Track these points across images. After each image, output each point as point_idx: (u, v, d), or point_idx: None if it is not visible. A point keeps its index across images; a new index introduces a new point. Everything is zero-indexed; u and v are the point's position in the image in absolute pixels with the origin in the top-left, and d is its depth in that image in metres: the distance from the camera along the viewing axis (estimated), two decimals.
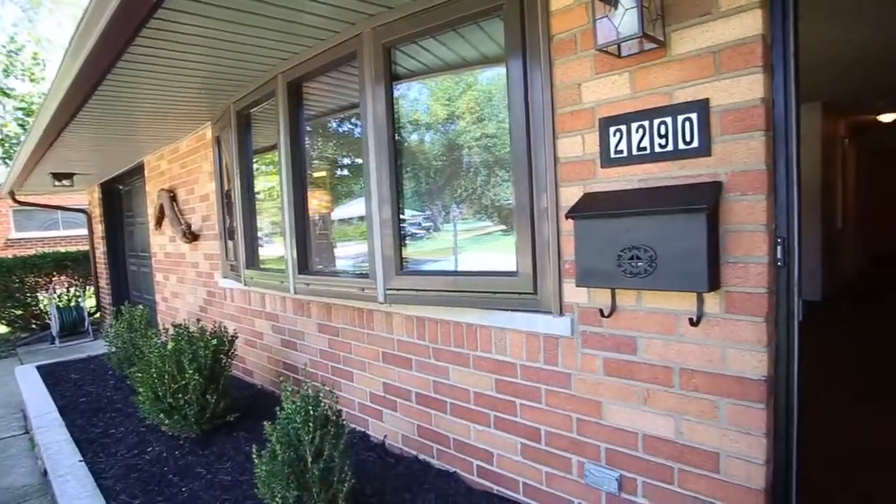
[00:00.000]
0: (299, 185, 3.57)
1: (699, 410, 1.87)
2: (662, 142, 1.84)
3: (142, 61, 3.08)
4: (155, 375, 3.37)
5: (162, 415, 3.40)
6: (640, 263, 1.78)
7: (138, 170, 7.02)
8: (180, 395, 3.35)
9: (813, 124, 7.40)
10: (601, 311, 2.04)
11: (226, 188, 4.71)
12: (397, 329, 3.06)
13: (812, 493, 2.45)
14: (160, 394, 3.39)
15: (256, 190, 4.34)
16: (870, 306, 7.19)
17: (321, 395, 2.43)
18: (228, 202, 4.65)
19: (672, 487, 1.98)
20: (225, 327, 3.86)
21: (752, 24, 1.65)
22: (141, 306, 5.37)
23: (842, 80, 6.03)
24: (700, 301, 1.79)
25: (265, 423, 2.35)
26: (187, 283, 5.93)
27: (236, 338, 3.90)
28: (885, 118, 8.29)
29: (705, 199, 1.65)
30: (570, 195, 2.13)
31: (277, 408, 2.41)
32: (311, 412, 2.34)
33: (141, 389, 3.47)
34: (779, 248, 1.69)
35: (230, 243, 4.76)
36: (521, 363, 2.42)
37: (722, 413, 1.82)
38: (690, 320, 1.79)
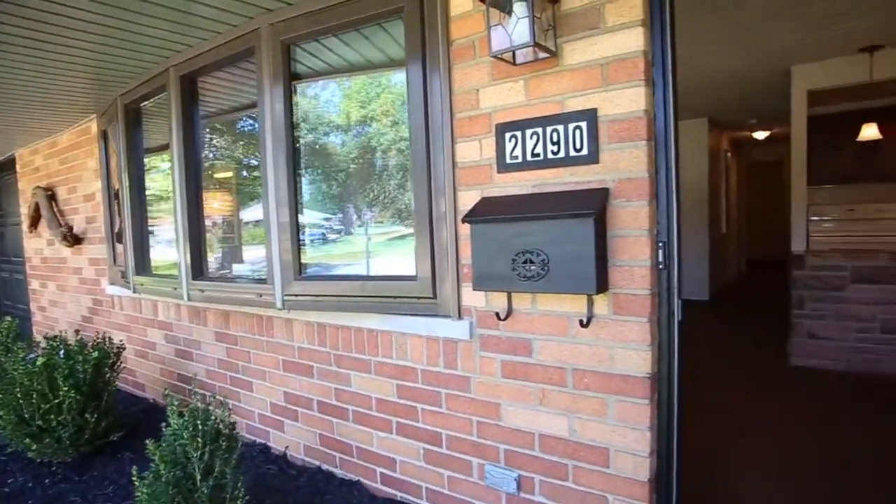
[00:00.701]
0: (193, 186, 3.36)
1: (591, 408, 1.94)
2: (555, 149, 1.90)
3: (15, 43, 2.77)
4: (20, 395, 3.02)
5: (28, 439, 3.06)
6: (533, 267, 1.82)
7: (8, 164, 6.33)
8: (52, 416, 3.03)
9: (700, 138, 8.03)
10: (498, 315, 2.07)
11: (114, 187, 4.34)
12: (298, 336, 2.95)
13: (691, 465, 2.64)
14: (26, 416, 3.04)
15: (148, 190, 4.04)
16: (747, 305, 7.90)
17: (212, 407, 2.29)
18: (117, 203, 4.30)
19: (567, 484, 2.04)
20: (111, 338, 3.54)
21: (635, 40, 1.74)
22: (9, 318, 4.83)
23: (723, 99, 6.58)
24: (590, 303, 1.86)
25: (147, 441, 2.17)
26: (69, 291, 5.41)
27: (123, 349, 3.59)
28: (759, 135, 9.16)
29: (593, 205, 1.71)
30: (468, 199, 2.15)
31: (164, 424, 2.24)
32: (201, 426, 2.19)
33: (1, 413, 3.09)
34: (660, 251, 1.79)
35: (119, 247, 4.40)
36: (422, 368, 2.41)
37: (611, 410, 1.89)
38: (581, 322, 1.85)
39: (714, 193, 8.41)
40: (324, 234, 2.96)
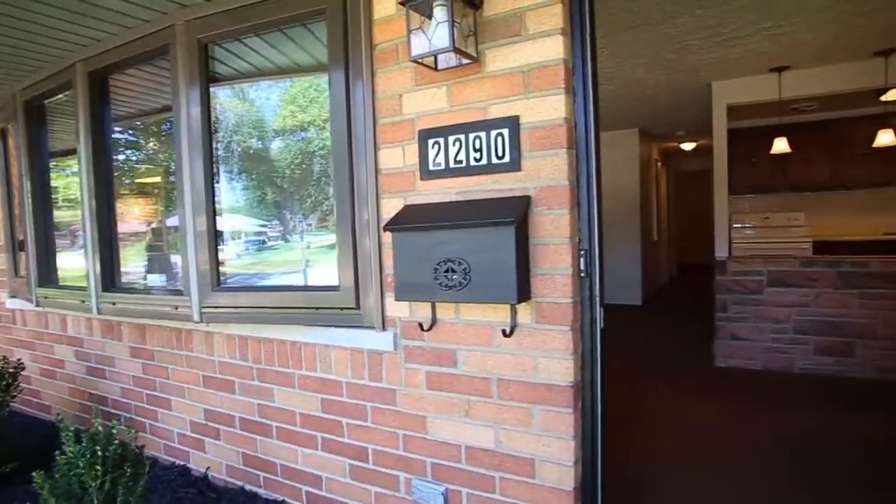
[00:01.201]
0: (104, 191, 3.13)
1: (516, 419, 1.91)
2: (477, 156, 1.87)
3: None
4: None
5: None
6: (455, 276, 1.78)
7: None
8: None
9: (632, 148, 8.31)
10: (421, 325, 2.01)
11: (14, 192, 4.01)
12: (219, 350, 2.79)
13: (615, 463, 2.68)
14: None
15: (55, 195, 3.75)
16: (678, 308, 8.22)
17: (118, 429, 2.11)
18: (19, 208, 3.96)
19: (495, 496, 2.00)
20: (5, 357, 3.24)
21: (555, 48, 1.74)
22: None
23: (652, 111, 6.85)
24: (513, 312, 1.83)
25: (35, 473, 1.97)
26: None
27: (22, 369, 3.29)
28: (687, 146, 9.59)
29: (515, 213, 1.69)
30: (392, 207, 2.09)
31: (58, 451, 2.04)
32: (101, 452, 2.01)
33: None
34: (582, 259, 1.79)
35: (22, 256, 4.05)
36: (347, 381, 2.32)
37: (536, 420, 1.87)
38: (503, 332, 1.83)
39: (645, 202, 8.72)
40: (249, 242, 2.82)
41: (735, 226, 7.61)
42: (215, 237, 2.54)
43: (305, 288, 2.40)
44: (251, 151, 2.77)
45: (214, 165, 2.61)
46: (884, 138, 5.25)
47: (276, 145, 2.73)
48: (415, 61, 1.82)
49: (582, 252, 1.78)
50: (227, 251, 2.74)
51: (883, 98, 5.71)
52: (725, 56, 4.56)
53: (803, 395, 4.29)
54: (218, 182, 2.62)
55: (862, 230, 7.11)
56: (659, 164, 10.24)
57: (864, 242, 6.57)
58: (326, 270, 2.39)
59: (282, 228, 2.74)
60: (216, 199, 2.57)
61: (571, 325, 1.77)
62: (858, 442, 3.31)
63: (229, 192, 2.76)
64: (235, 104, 2.78)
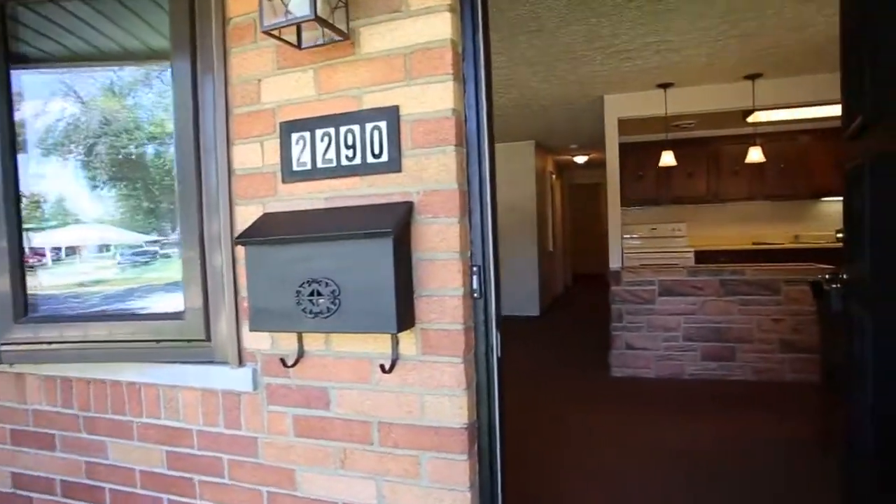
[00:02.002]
0: None
1: (401, 469, 1.59)
2: (350, 153, 1.55)
3: None
4: None
5: None
6: (322, 300, 1.44)
7: None
8: None
9: (528, 160, 8.37)
10: (283, 361, 1.64)
11: None
12: (32, 396, 2.21)
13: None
14: None
15: None
16: (574, 318, 8.35)
17: None
18: None
19: None
20: None
21: (441, 27, 1.47)
22: None
23: (547, 123, 6.90)
24: (394, 342, 1.52)
25: None
26: None
27: None
28: (580, 159, 9.88)
29: (393, 222, 1.39)
30: (249, 215, 1.70)
31: None
32: None
33: None
34: (475, 277, 1.51)
35: None
36: (199, 429, 1.88)
37: (424, 470, 1.56)
38: (382, 367, 1.51)
39: (541, 213, 8.82)
40: (75, 259, 2.28)
41: (625, 236, 7.87)
42: (20, 254, 2.00)
43: (144, 316, 1.93)
44: (62, 150, 2.24)
45: (36, 165, 2.07)
46: (754, 155, 5.59)
47: (99, 142, 2.23)
48: (269, 34, 1.46)
49: (475, 268, 1.51)
50: (72, 269, 2.20)
51: (749, 119, 6.13)
52: (617, 69, 4.60)
53: (693, 400, 4.38)
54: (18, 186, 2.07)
55: (734, 240, 7.61)
56: (554, 176, 10.48)
57: (736, 251, 7.02)
58: (170, 293, 1.94)
59: (115, 242, 2.23)
60: (18, 206, 2.02)
61: (464, 356, 1.49)
62: (746, 444, 3.41)
63: (90, 200, 2.22)
64: (41, 93, 2.25)
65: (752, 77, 5.06)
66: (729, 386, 4.76)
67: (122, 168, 2.17)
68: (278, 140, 1.65)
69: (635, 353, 5.15)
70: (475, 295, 1.52)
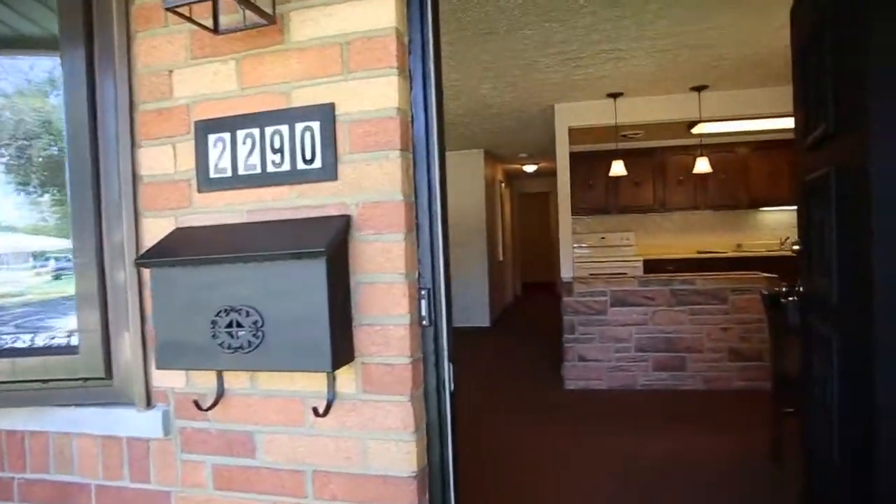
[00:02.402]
0: None
1: None
2: (277, 158, 1.32)
3: None
4: None
5: None
6: (242, 332, 1.21)
7: None
8: None
9: (477, 168, 8.27)
10: (198, 403, 1.38)
11: None
12: None
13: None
14: None
15: None
16: (526, 328, 8.27)
17: None
18: None
19: None
20: None
21: (385, 13, 1.27)
22: None
23: (497, 132, 6.81)
24: (331, 380, 1.30)
25: None
26: None
27: None
28: (529, 168, 9.88)
29: (327, 239, 1.17)
30: (159, 230, 1.44)
31: None
32: None
33: None
34: (423, 302, 1.32)
35: None
36: (98, 483, 1.59)
37: None
38: (315, 410, 1.28)
39: (491, 223, 8.73)
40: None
41: (574, 245, 7.87)
42: None
43: (27, 351, 1.62)
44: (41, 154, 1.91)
45: None
46: (700, 165, 5.66)
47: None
48: (176, 12, 1.22)
49: (423, 292, 1.31)
50: None
51: (694, 131, 6.23)
52: (568, 77, 4.53)
53: (645, 412, 4.35)
54: None
55: (681, 249, 7.74)
56: (503, 185, 10.44)
57: (683, 260, 7.11)
58: (63, 322, 1.64)
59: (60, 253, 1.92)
60: None
61: (411, 393, 1.29)
62: (699, 455, 3.38)
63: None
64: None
65: (699, 89, 5.11)
66: (680, 396, 4.75)
67: (38, 170, 1.86)
68: (193, 142, 1.40)
69: (588, 365, 5.08)
70: (424, 322, 1.32)
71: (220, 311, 1.22)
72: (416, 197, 1.33)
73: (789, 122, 6.31)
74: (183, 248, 1.30)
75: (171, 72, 1.44)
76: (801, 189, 2.11)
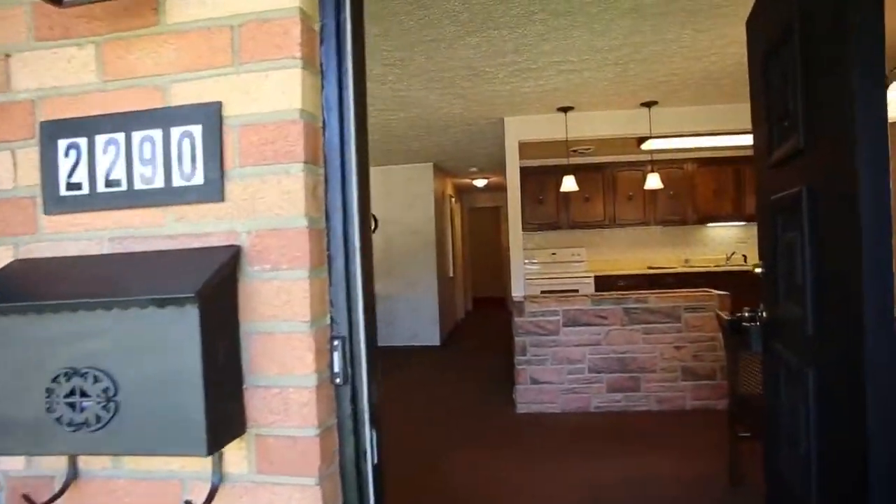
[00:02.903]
0: None
1: None
2: (148, 172, 1.03)
3: None
4: None
5: None
6: (87, 404, 0.89)
7: None
8: None
9: (427, 182, 8.04)
10: (30, 497, 1.05)
11: None
12: None
13: None
14: None
15: None
16: (477, 346, 8.04)
17: None
18: None
19: None
20: None
21: None
22: None
23: (446, 145, 6.61)
24: (216, 458, 1.00)
25: None
26: None
27: None
28: (479, 183, 9.73)
29: (200, 280, 0.88)
30: None
31: None
32: None
33: None
34: (335, 355, 1.04)
35: None
36: None
37: None
38: (189, 503, 0.98)
39: (441, 238, 8.51)
40: None
41: (525, 261, 7.74)
42: None
43: None
44: None
45: None
46: (651, 182, 5.60)
47: None
48: None
49: (336, 342, 1.04)
50: None
51: (643, 147, 6.21)
52: (519, 89, 4.37)
53: (600, 436, 4.19)
54: None
55: (631, 264, 7.72)
56: (453, 199, 10.26)
57: (633, 276, 7.08)
58: None
59: None
60: None
61: (321, 473, 1.00)
62: (654, 480, 3.28)
63: None
64: None
65: (649, 105, 5.06)
66: (634, 418, 4.62)
67: None
68: (39, 149, 1.09)
69: (541, 387, 4.88)
70: (337, 380, 1.04)
71: (58, 376, 0.90)
72: (327, 222, 1.05)
73: (735, 140, 6.40)
74: (17, 289, 0.98)
75: (7, 56, 1.12)
76: (764, 209, 1.96)
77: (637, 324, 4.80)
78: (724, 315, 3.19)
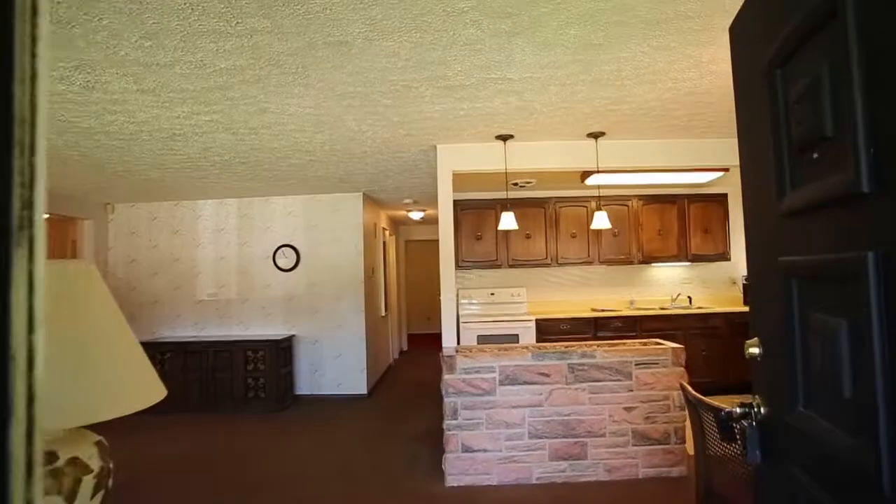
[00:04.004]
0: None
1: None
2: None
3: None
4: None
5: None
6: None
7: None
8: None
9: (355, 214, 7.32)
10: None
11: None
12: None
13: None
14: None
15: None
16: (408, 396, 7.25)
17: None
18: None
19: None
20: None
21: None
22: None
23: (376, 174, 5.94)
24: None
25: None
26: None
27: None
28: (415, 215, 9.09)
29: None
30: None
31: None
32: None
33: None
34: None
35: None
36: None
37: None
38: None
39: (371, 274, 7.76)
40: None
41: (462, 302, 7.11)
42: None
43: None
44: None
45: None
46: (599, 220, 5.09)
47: None
48: None
49: None
50: None
51: (588, 182, 5.76)
52: (452, 112, 3.78)
53: None
54: None
55: (574, 306, 7.24)
56: (387, 232, 9.56)
57: (577, 319, 6.58)
58: None
59: None
60: None
61: None
62: None
63: None
64: None
65: (596, 135, 4.60)
66: (582, 490, 4.00)
67: None
68: None
69: (473, 455, 4.18)
70: None
71: None
72: None
73: (683, 178, 6.08)
74: None
75: None
76: (769, 273, 1.38)
77: (583, 381, 4.22)
78: (701, 399, 2.57)
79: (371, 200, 7.84)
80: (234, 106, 3.48)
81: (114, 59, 2.67)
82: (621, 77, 3.20)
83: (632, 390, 4.22)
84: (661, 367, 4.24)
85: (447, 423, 4.20)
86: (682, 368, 4.25)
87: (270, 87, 3.17)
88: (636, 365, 4.23)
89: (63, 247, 8.75)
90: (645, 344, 4.49)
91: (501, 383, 4.20)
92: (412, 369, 9.22)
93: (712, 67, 3.04)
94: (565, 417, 4.20)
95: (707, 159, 4.98)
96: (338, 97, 3.39)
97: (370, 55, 2.77)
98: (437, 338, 5.37)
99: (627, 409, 4.21)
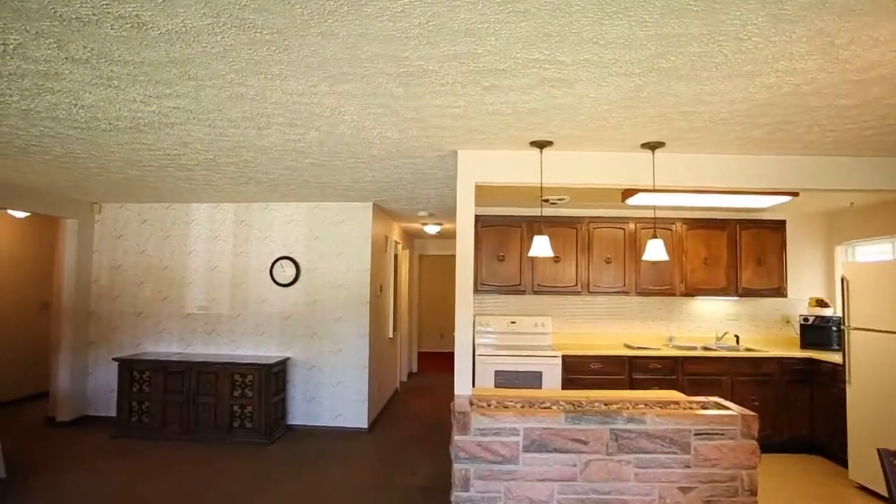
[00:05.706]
0: None
1: None
2: None
3: None
4: None
5: None
6: None
7: None
8: None
9: (364, 225, 6.55)
10: None
11: None
12: None
13: None
14: None
15: None
16: (413, 430, 6.38)
17: None
18: None
19: None
20: None
21: None
22: None
23: (388, 182, 5.15)
24: None
25: None
26: None
27: None
28: (430, 229, 8.30)
29: None
30: None
31: None
32: None
33: None
34: None
35: None
36: None
37: None
38: None
39: (378, 293, 6.96)
40: None
41: (479, 328, 6.27)
42: None
43: None
44: None
45: None
46: (653, 250, 4.19)
47: None
48: None
49: None
50: None
51: (631, 202, 4.90)
52: (477, 104, 2.96)
53: None
54: None
55: (605, 340, 6.37)
56: (400, 245, 8.77)
57: (610, 357, 5.70)
58: None
59: None
60: None
61: None
62: None
63: None
64: None
65: (653, 146, 3.76)
66: None
67: None
68: None
69: None
70: None
71: None
72: None
73: (733, 200, 5.18)
74: None
75: None
76: None
77: (628, 452, 3.35)
78: None
79: (382, 211, 7.07)
80: (199, 88, 2.71)
81: (13, 6, 1.92)
82: (710, 65, 2.37)
83: (689, 466, 3.34)
84: (727, 437, 3.36)
85: (456, 495, 3.36)
86: (753, 441, 3.37)
87: (241, 63, 2.40)
88: (696, 435, 3.35)
89: (40, 248, 8.08)
90: (705, 407, 3.61)
91: (526, 449, 3.35)
92: (420, 399, 8.36)
93: (843, 54, 2.20)
94: (604, 496, 3.34)
95: (778, 181, 4.11)
96: (331, 80, 2.61)
97: (370, 17, 1.98)
98: (450, 358, 4.54)
99: (683, 489, 3.33)
